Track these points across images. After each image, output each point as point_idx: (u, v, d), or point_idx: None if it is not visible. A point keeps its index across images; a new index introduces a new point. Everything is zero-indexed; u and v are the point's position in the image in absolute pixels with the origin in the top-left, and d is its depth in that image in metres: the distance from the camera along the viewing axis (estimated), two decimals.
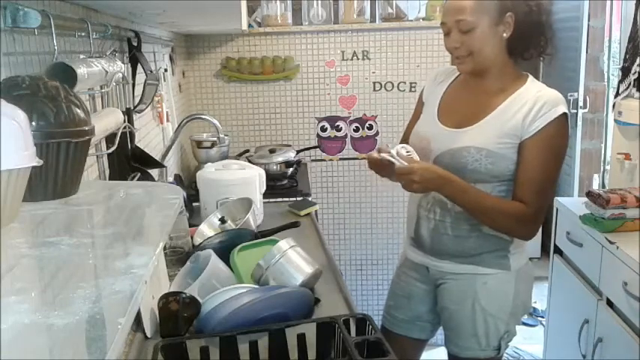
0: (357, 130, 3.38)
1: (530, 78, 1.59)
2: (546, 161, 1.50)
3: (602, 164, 4.02)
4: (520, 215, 1.52)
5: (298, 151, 3.03)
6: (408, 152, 1.53)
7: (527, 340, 3.26)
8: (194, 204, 2.32)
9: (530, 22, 1.52)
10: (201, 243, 1.79)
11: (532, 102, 1.50)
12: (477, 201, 1.53)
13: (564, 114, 1.49)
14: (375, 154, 1.55)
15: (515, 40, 1.53)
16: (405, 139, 1.77)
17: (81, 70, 1.28)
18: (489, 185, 1.56)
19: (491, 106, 1.55)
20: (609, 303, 2.01)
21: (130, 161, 1.85)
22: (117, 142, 1.63)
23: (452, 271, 1.66)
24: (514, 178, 1.55)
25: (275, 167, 2.84)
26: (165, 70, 2.66)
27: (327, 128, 3.40)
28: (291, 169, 2.90)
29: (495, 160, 1.52)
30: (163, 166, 2.24)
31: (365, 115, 3.38)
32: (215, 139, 2.80)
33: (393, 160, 1.49)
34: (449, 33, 1.55)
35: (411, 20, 3.28)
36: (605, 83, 3.96)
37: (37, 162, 0.82)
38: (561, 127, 1.50)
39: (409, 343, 1.84)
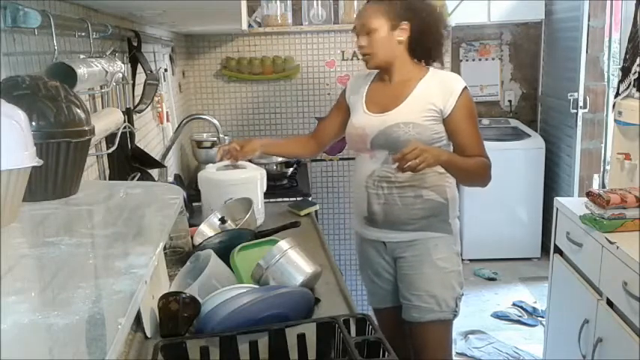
0: None
1: (432, 68, 1.94)
2: (471, 122, 1.88)
3: (602, 164, 4.02)
4: (487, 163, 1.88)
5: None
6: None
7: (527, 340, 3.25)
8: (194, 204, 2.32)
9: (424, 32, 1.87)
10: (201, 243, 1.79)
11: (439, 86, 1.87)
12: (467, 162, 1.84)
13: (464, 87, 1.86)
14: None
15: (413, 44, 1.88)
16: (318, 131, 2.18)
17: (81, 70, 1.28)
18: None
19: (406, 91, 1.89)
20: (609, 303, 2.01)
21: (130, 161, 1.85)
22: (117, 142, 1.63)
23: (406, 239, 1.92)
24: (456, 145, 1.89)
25: (275, 167, 2.84)
26: (166, 70, 2.66)
27: None
28: (291, 169, 2.90)
29: (421, 130, 1.84)
30: (163, 166, 2.23)
31: None
32: (215, 139, 2.80)
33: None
34: (358, 35, 1.88)
35: None
36: (605, 83, 3.96)
37: (37, 162, 0.82)
38: (466, 96, 1.87)
39: (395, 312, 2.02)
